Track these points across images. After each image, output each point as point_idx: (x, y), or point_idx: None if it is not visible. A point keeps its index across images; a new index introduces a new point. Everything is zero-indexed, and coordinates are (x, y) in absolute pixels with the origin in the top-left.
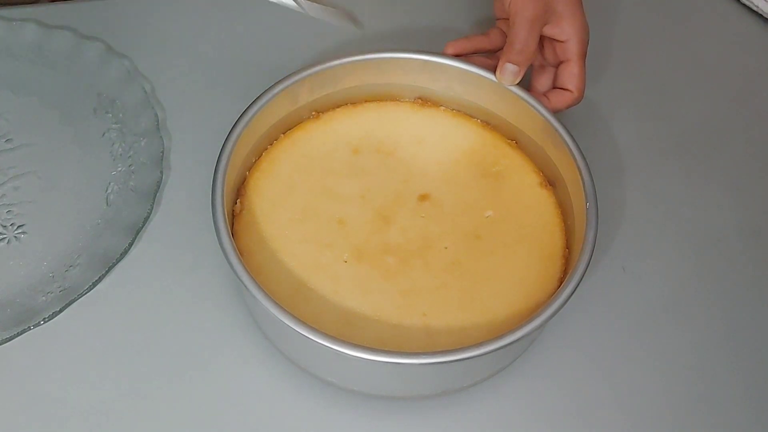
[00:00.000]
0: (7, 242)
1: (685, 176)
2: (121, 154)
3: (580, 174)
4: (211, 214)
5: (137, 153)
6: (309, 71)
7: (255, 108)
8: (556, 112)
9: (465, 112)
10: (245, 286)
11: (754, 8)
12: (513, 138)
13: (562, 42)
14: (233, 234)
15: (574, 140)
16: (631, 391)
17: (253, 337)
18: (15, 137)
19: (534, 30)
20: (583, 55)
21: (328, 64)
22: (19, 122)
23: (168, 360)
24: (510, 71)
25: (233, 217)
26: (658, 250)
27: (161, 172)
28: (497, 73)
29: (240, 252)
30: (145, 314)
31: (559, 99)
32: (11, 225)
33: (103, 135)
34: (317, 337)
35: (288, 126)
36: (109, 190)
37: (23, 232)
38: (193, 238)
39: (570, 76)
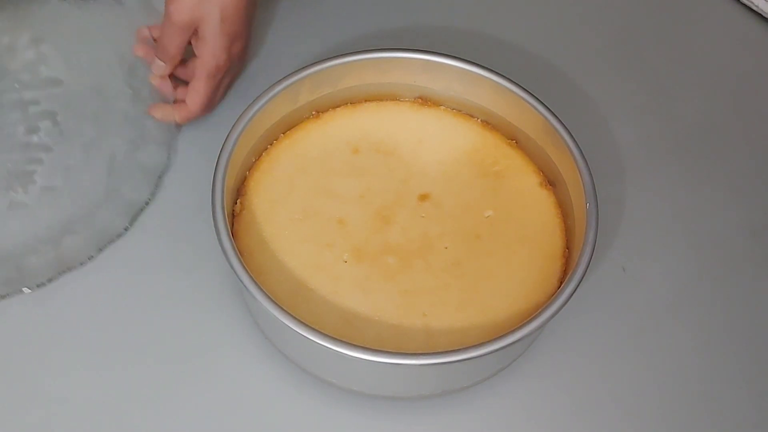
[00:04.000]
0: (13, 195)
1: (685, 176)
2: (134, 117)
3: (580, 174)
4: (211, 214)
5: (148, 127)
6: (309, 71)
7: (255, 108)
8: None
9: (465, 111)
10: (245, 287)
11: (754, 8)
12: (513, 138)
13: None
14: (233, 234)
15: (574, 140)
16: (631, 391)
17: (253, 337)
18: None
19: (178, 33)
20: (210, 76)
21: (328, 64)
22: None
23: (168, 360)
24: (156, 65)
25: (233, 217)
26: (658, 250)
27: (168, 157)
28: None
29: (240, 252)
30: (144, 314)
31: (180, 110)
32: (24, 173)
33: (121, 93)
34: (317, 338)
35: (288, 126)
36: (116, 155)
37: (32, 182)
38: (193, 238)
39: (191, 91)
